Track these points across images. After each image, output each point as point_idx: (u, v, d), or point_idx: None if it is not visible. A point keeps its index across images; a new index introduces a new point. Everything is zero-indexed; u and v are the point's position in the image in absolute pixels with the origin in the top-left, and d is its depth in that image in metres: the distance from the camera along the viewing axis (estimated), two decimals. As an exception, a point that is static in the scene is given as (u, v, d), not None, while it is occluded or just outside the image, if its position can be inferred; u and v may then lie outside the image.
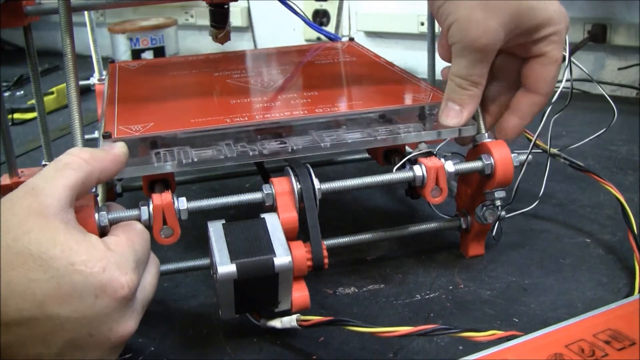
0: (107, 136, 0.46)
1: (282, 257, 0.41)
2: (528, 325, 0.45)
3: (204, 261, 0.50)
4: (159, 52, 1.26)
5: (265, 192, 0.46)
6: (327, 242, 0.50)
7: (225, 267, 0.40)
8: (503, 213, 0.51)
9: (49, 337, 0.35)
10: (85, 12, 0.76)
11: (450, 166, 0.48)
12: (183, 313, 0.50)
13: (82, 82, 0.94)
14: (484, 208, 0.51)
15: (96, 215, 0.41)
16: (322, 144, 0.48)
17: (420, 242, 0.58)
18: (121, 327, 0.37)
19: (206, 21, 0.78)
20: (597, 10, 1.04)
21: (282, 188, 0.46)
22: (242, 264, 0.41)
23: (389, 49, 1.27)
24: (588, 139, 0.58)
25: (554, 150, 0.56)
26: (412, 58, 1.21)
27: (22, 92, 1.22)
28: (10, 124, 1.04)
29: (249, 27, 1.45)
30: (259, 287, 0.42)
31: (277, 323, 0.44)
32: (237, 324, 0.48)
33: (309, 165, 0.47)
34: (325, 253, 0.44)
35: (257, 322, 0.45)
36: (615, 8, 1.02)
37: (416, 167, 0.48)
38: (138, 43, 1.24)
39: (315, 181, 0.46)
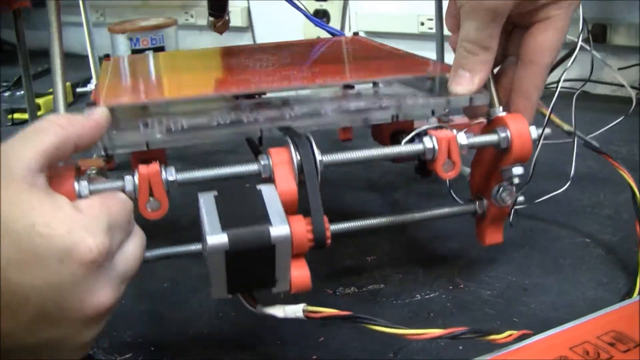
0: (90, 104, 0.42)
1: (279, 227, 0.37)
2: (528, 325, 0.45)
3: (198, 246, 0.46)
4: (159, 52, 1.26)
5: (262, 163, 0.41)
6: (330, 227, 0.46)
7: (216, 237, 0.36)
8: (521, 198, 0.48)
9: (17, 310, 0.31)
10: (83, 14, 0.76)
11: (463, 138, 0.44)
12: (183, 313, 0.50)
13: (81, 89, 0.94)
14: (501, 189, 0.47)
15: (75, 184, 0.38)
16: (322, 111, 0.44)
17: (421, 241, 0.58)
18: (94, 297, 0.33)
19: (206, 21, 0.78)
20: (597, 10, 1.04)
21: (280, 158, 0.41)
22: (235, 234, 0.36)
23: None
24: (608, 127, 0.55)
25: (571, 128, 0.53)
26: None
27: (22, 92, 1.22)
28: (10, 124, 1.05)
29: (249, 27, 1.45)
30: (254, 261, 0.38)
31: (278, 312, 0.39)
32: (237, 324, 0.48)
33: (309, 135, 0.43)
34: (327, 226, 0.41)
35: (252, 309, 0.40)
36: (615, 8, 1.02)
37: (426, 139, 0.44)
38: (138, 43, 1.24)
39: (317, 151, 0.42)
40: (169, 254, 0.45)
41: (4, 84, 1.24)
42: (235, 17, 1.43)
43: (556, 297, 0.48)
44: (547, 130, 0.47)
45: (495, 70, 0.50)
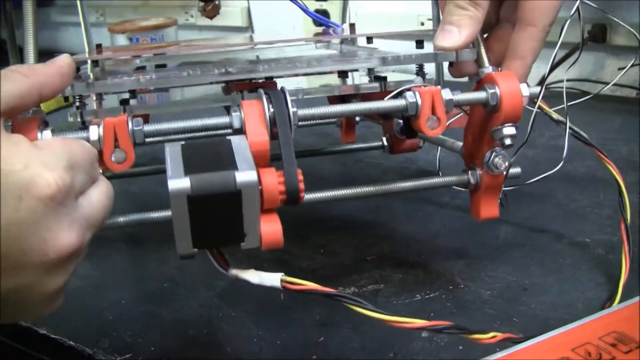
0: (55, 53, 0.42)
1: (245, 172, 0.35)
2: (528, 325, 0.45)
3: None
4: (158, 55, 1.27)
5: (234, 114, 0.40)
6: (309, 196, 0.45)
7: (178, 180, 0.34)
8: (517, 170, 0.47)
9: None
10: (81, 15, 0.76)
11: (447, 93, 0.43)
12: (183, 313, 0.50)
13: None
14: (493, 154, 0.46)
15: (39, 133, 0.37)
16: (297, 64, 0.43)
17: (421, 241, 0.58)
18: (56, 238, 0.32)
19: (206, 21, 0.78)
20: (597, 10, 1.04)
21: (252, 109, 0.40)
22: (198, 179, 0.34)
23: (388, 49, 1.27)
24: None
25: (559, 117, 0.51)
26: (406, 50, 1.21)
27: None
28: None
29: (249, 27, 1.45)
30: (220, 210, 0.35)
31: (253, 277, 0.37)
32: (236, 324, 0.48)
33: (285, 88, 0.42)
34: (301, 178, 0.38)
35: (224, 271, 0.38)
36: (615, 8, 1.02)
37: (409, 94, 0.43)
38: (138, 43, 1.24)
39: (291, 104, 0.40)
40: (143, 220, 0.44)
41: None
42: (235, 17, 1.43)
43: (556, 297, 0.48)
44: (537, 89, 0.46)
45: (486, 35, 0.49)
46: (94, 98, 0.48)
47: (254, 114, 0.40)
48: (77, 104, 0.47)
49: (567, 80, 0.50)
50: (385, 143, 0.63)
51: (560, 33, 0.49)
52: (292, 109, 0.40)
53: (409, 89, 0.44)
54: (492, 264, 0.54)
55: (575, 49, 1.01)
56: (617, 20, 0.58)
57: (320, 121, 0.80)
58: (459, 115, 0.52)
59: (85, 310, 0.50)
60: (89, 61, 0.51)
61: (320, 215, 0.64)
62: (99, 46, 0.70)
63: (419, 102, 0.43)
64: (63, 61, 0.39)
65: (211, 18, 0.70)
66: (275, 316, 0.48)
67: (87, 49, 0.79)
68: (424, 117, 0.43)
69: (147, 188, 0.72)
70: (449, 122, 0.55)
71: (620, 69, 1.04)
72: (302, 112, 0.41)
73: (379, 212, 0.65)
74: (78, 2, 0.73)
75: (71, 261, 0.33)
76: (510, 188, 0.50)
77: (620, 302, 0.43)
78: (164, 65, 0.53)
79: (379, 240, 0.59)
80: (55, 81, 0.38)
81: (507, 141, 0.45)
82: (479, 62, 0.47)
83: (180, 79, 0.43)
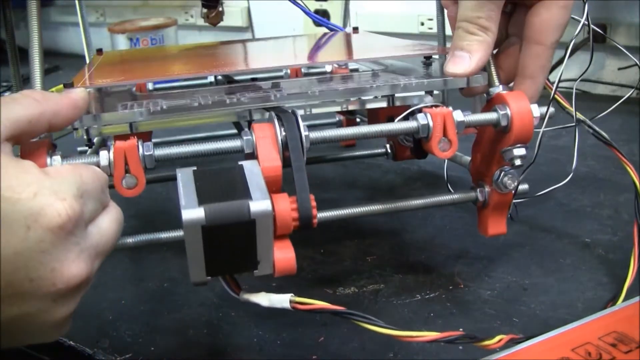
0: (68, 85, 0.41)
1: (259, 202, 0.34)
2: (528, 325, 0.45)
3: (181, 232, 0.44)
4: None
5: (245, 138, 0.40)
6: (321, 215, 0.45)
7: (192, 211, 0.34)
8: (525, 186, 0.47)
9: None
10: (79, 15, 0.76)
11: (459, 115, 0.43)
12: (183, 313, 0.50)
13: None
14: (502, 173, 0.46)
15: (48, 159, 0.37)
16: (309, 92, 0.43)
17: (421, 241, 0.58)
18: (65, 268, 0.31)
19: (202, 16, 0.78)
20: (597, 10, 1.04)
21: (264, 133, 0.40)
22: (212, 208, 0.34)
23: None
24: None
25: (580, 116, 0.50)
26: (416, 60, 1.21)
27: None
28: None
29: (249, 27, 1.45)
30: (234, 239, 0.35)
31: (263, 300, 0.37)
32: (236, 324, 0.48)
33: (296, 111, 0.41)
34: (314, 204, 0.38)
35: (235, 295, 0.38)
36: (615, 8, 1.02)
37: (420, 116, 0.43)
38: (138, 43, 1.24)
39: (303, 127, 0.40)
40: (152, 240, 0.43)
41: (4, 84, 1.24)
42: (235, 17, 1.43)
43: (556, 297, 0.48)
44: (552, 110, 0.45)
45: (495, 51, 0.49)
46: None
47: (266, 138, 0.39)
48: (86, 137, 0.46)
49: (568, 80, 0.49)
50: (389, 150, 0.63)
51: (566, 52, 0.48)
52: (304, 133, 0.40)
53: (419, 110, 0.43)
54: (492, 264, 0.54)
55: (576, 48, 1.01)
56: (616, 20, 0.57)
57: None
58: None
59: (85, 310, 0.50)
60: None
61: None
62: (99, 51, 0.70)
63: (431, 124, 0.42)
64: (78, 94, 0.39)
65: (215, 25, 0.69)
66: (275, 316, 0.48)
67: (85, 50, 0.79)
68: (435, 140, 0.42)
69: (151, 198, 0.72)
70: None
71: (621, 69, 1.04)
72: (314, 135, 0.41)
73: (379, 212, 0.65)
74: (77, 2, 0.73)
75: (79, 290, 0.33)
76: (519, 200, 0.50)
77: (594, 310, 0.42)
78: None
79: (379, 240, 0.59)
80: (67, 112, 0.37)
81: (517, 162, 0.44)
82: (489, 81, 0.47)
83: (190, 110, 0.42)
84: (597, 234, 0.57)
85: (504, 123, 0.44)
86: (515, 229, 0.59)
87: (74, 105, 0.38)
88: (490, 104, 0.46)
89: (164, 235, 0.44)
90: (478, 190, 0.49)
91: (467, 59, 0.44)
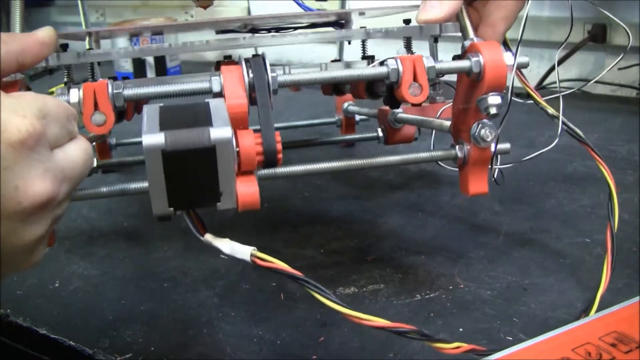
0: (68, 83, 0.44)
1: (219, 129, 0.35)
2: (528, 325, 0.45)
3: None
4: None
5: (213, 78, 0.41)
6: (289, 168, 0.45)
7: (152, 136, 0.34)
8: (507, 145, 0.47)
9: None
10: (82, 15, 0.76)
11: (430, 61, 0.43)
12: (183, 313, 0.50)
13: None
14: (480, 125, 0.46)
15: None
16: (289, 30, 0.44)
17: (421, 241, 0.58)
18: (29, 185, 0.31)
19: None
20: (597, 10, 1.04)
21: (231, 75, 0.41)
22: (173, 134, 0.34)
23: (388, 48, 1.27)
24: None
25: (554, 112, 0.50)
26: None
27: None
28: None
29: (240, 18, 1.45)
30: (195, 168, 0.35)
31: (225, 247, 0.37)
32: (236, 324, 0.48)
33: (265, 54, 0.42)
34: (278, 139, 0.39)
35: (199, 236, 0.38)
36: (615, 8, 1.02)
37: (390, 60, 0.43)
38: (138, 43, 1.24)
39: (270, 69, 0.41)
40: (124, 190, 0.43)
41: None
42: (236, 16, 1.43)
43: (556, 297, 0.48)
44: (526, 59, 0.45)
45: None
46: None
47: (233, 79, 0.40)
48: (65, 79, 0.47)
49: (568, 81, 0.50)
50: (381, 134, 0.64)
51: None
52: (271, 74, 0.41)
53: (390, 58, 0.44)
54: (492, 264, 0.54)
55: (576, 48, 1.01)
56: (617, 20, 0.57)
57: (320, 121, 0.80)
58: (447, 106, 0.52)
59: (85, 310, 0.50)
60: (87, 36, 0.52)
61: (321, 215, 0.64)
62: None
63: (400, 68, 0.43)
64: (43, 31, 0.39)
65: (205, 8, 0.69)
66: (275, 316, 0.48)
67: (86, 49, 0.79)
68: (405, 84, 0.43)
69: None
70: (439, 113, 0.56)
71: (621, 69, 1.04)
72: (282, 78, 0.41)
73: (379, 212, 0.65)
74: (79, 2, 0.73)
75: (47, 211, 0.33)
76: (506, 166, 0.50)
77: (597, 312, 0.42)
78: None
79: (379, 240, 0.59)
80: (34, 49, 0.38)
81: (493, 110, 0.44)
82: (463, 33, 0.48)
83: (177, 47, 0.44)
84: (597, 234, 0.57)
85: (476, 70, 0.44)
86: (515, 229, 0.59)
87: (40, 41, 0.39)
88: (464, 54, 0.46)
89: (134, 185, 0.43)
90: (457, 147, 0.48)
91: (437, 6, 0.46)
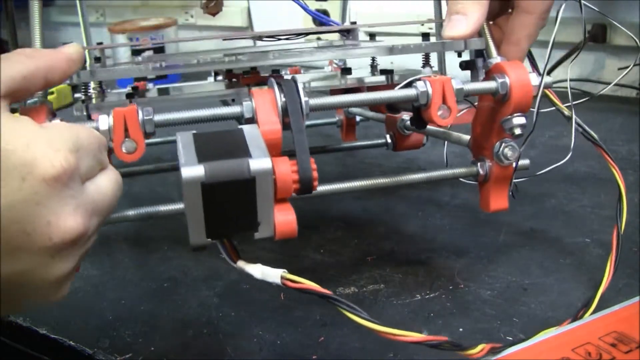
0: (66, 43, 0.41)
1: (259, 160, 0.34)
2: (528, 325, 0.45)
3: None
4: (159, 52, 1.26)
5: (244, 103, 0.40)
6: (322, 188, 0.45)
7: (192, 168, 0.34)
8: (526, 161, 0.47)
9: None
10: (80, 15, 0.76)
11: (458, 83, 0.43)
12: (183, 313, 0.50)
13: (78, 95, 0.94)
14: (502, 144, 0.46)
15: (47, 122, 0.37)
16: (309, 50, 0.44)
17: (421, 241, 0.58)
18: (62, 221, 0.31)
19: (206, 21, 0.78)
20: (597, 10, 1.04)
21: (264, 98, 0.40)
22: (212, 166, 0.34)
23: (374, 55, 1.28)
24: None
25: (569, 112, 0.50)
26: (413, 58, 1.21)
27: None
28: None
29: (249, 27, 1.45)
30: (233, 198, 0.35)
31: (256, 272, 0.37)
32: (236, 324, 0.48)
33: (296, 77, 0.41)
34: (314, 167, 0.38)
35: (232, 263, 0.38)
36: (615, 8, 1.02)
37: (419, 83, 0.43)
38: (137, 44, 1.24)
39: (302, 92, 0.40)
40: (153, 213, 0.43)
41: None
42: (235, 17, 1.43)
43: (556, 297, 0.48)
44: (548, 79, 0.46)
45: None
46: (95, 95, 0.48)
47: (265, 103, 0.39)
48: (83, 97, 0.47)
49: (565, 81, 0.49)
50: (389, 140, 0.64)
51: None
52: (304, 98, 0.40)
53: (418, 79, 0.44)
54: (492, 264, 0.54)
55: (576, 49, 1.01)
56: (616, 22, 0.58)
57: (321, 121, 0.80)
58: (464, 110, 0.52)
59: (85, 310, 0.50)
60: (87, 52, 0.52)
61: (321, 215, 0.64)
62: (99, 44, 0.70)
63: (430, 91, 0.42)
64: (72, 48, 0.38)
65: (214, 15, 0.69)
66: (275, 316, 0.48)
67: (86, 51, 0.79)
68: (435, 107, 0.42)
69: (149, 188, 0.72)
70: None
71: (621, 69, 1.04)
72: (313, 101, 0.41)
73: (379, 212, 0.65)
74: (78, 2, 0.73)
75: (77, 247, 0.32)
76: (520, 180, 0.50)
77: (595, 311, 0.42)
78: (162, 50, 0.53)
79: (379, 240, 0.59)
80: (62, 66, 0.37)
81: (517, 131, 0.45)
82: (487, 52, 0.47)
83: (188, 66, 0.43)
84: (597, 234, 0.57)
85: (503, 91, 0.44)
86: (515, 229, 0.59)
87: (68, 58, 0.37)
88: (489, 74, 0.46)
89: (164, 208, 0.43)
90: (479, 164, 0.49)
91: (463, 21, 0.45)
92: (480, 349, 0.36)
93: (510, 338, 0.44)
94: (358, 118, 0.79)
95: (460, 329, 0.45)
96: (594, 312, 0.41)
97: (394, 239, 0.59)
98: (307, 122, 0.40)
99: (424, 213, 0.64)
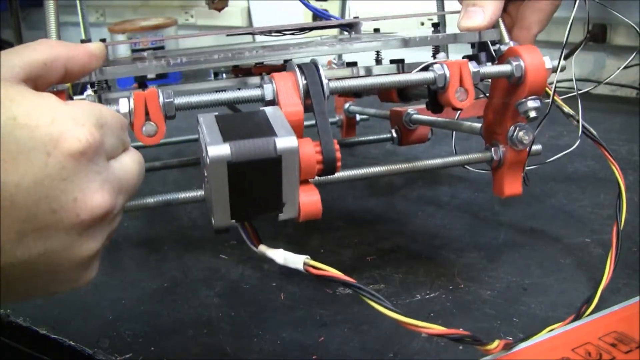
0: (84, 41, 0.42)
1: (285, 138, 0.34)
2: (528, 325, 0.45)
3: (201, 192, 0.43)
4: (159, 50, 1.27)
5: (265, 86, 0.40)
6: (344, 173, 0.46)
7: (218, 147, 0.33)
8: (539, 147, 0.47)
9: (3, 216, 0.28)
10: (80, 15, 0.76)
11: (475, 66, 0.43)
12: (183, 313, 0.50)
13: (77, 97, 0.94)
14: (517, 128, 0.46)
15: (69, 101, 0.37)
16: (317, 43, 0.44)
17: (421, 241, 0.58)
18: (89, 197, 0.30)
19: (206, 21, 0.78)
20: (597, 10, 1.04)
21: (285, 81, 0.40)
22: (238, 144, 0.33)
23: (388, 48, 1.27)
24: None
25: (570, 111, 0.50)
26: (413, 58, 1.21)
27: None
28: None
29: (249, 27, 1.45)
30: (259, 178, 0.34)
31: (279, 257, 0.36)
32: (236, 324, 0.48)
33: (316, 61, 0.42)
34: (337, 147, 0.38)
35: (254, 247, 0.37)
36: (615, 8, 1.02)
37: (437, 66, 0.43)
38: (138, 43, 1.24)
39: (324, 74, 0.40)
40: (172, 201, 0.43)
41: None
42: (235, 17, 1.43)
43: (556, 297, 0.48)
44: (563, 63, 0.46)
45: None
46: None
47: (287, 85, 0.39)
48: (96, 87, 0.47)
49: (568, 80, 0.50)
50: (395, 135, 0.64)
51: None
52: (325, 81, 0.40)
53: (435, 63, 0.44)
54: (492, 264, 0.54)
55: (576, 48, 1.01)
56: (620, 16, 0.58)
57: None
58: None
59: (85, 310, 0.50)
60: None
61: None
62: (102, 41, 0.70)
63: (447, 73, 0.43)
64: (94, 44, 0.39)
65: (219, 10, 0.69)
66: (275, 316, 0.48)
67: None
68: (452, 89, 0.43)
69: (149, 188, 0.72)
70: (458, 114, 0.56)
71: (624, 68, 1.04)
72: (334, 84, 0.41)
73: (379, 212, 0.65)
74: (78, 2, 0.73)
75: (104, 225, 0.32)
76: (531, 167, 0.50)
77: (595, 309, 0.42)
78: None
79: (379, 240, 0.59)
80: (83, 59, 0.37)
81: (532, 114, 0.45)
82: (500, 39, 0.48)
83: (196, 63, 0.43)
84: (597, 234, 0.57)
85: (518, 74, 0.44)
86: (515, 229, 0.59)
87: (90, 53, 0.37)
88: (503, 58, 0.47)
89: (183, 195, 0.43)
90: (492, 149, 0.49)
91: (480, 12, 0.46)
92: (496, 344, 0.36)
93: (510, 338, 0.44)
94: (358, 117, 0.79)
95: (460, 329, 0.45)
96: (594, 311, 0.41)
97: (394, 239, 0.59)
98: (307, 123, 0.40)
99: (424, 213, 0.64)
